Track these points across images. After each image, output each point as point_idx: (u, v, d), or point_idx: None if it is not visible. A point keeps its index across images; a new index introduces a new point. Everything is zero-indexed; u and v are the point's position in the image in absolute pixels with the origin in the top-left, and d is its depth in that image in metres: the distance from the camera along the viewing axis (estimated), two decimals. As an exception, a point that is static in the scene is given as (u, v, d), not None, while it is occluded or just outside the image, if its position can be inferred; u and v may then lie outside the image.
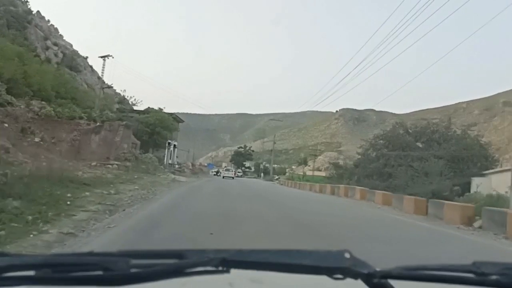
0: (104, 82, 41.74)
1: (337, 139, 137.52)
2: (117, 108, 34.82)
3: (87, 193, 9.40)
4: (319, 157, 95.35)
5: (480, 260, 0.94)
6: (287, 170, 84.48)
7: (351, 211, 15.36)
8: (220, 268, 0.83)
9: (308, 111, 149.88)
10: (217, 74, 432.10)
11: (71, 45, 74.43)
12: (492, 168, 30.34)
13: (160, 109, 39.15)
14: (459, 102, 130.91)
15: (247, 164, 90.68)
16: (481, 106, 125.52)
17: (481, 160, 32.08)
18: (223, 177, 49.58)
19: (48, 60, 60.72)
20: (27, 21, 65.75)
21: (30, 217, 5.77)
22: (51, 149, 22.24)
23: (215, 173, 66.73)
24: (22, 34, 61.18)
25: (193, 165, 57.48)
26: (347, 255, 0.87)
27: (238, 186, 28.11)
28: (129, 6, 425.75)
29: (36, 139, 22.24)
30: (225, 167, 70.98)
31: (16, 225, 5.32)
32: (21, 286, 0.79)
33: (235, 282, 0.90)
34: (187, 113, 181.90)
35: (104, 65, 38.45)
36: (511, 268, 0.91)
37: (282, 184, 48.82)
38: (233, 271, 0.84)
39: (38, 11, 70.46)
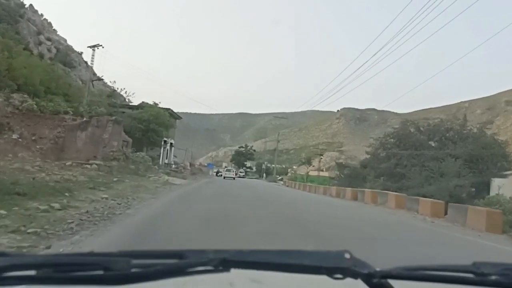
0: (94, 74, 39.08)
1: (339, 139, 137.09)
2: (108, 103, 32.08)
3: (3, 212, 5.94)
4: (320, 157, 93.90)
5: (479, 261, 0.94)
6: (289, 170, 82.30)
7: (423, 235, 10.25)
8: (221, 268, 0.82)
9: (308, 110, 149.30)
10: (217, 74, 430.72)
11: (65, 40, 72.54)
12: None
13: (155, 104, 36.26)
14: (461, 102, 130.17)
15: (248, 164, 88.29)
16: (483, 106, 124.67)
17: (500, 159, 30.17)
18: (224, 177, 49.22)
19: (41, 55, 58.75)
20: (19, 15, 63.88)
21: None
22: (30, 147, 19.85)
23: (215, 173, 66.37)
24: (14, 28, 59.14)
25: (191, 165, 54.96)
26: (347, 255, 0.86)
27: (242, 189, 23.58)
28: (130, 1, 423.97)
29: (14, 136, 19.91)
30: (226, 167, 69.64)
31: None
32: (22, 286, 0.79)
33: (235, 282, 0.91)
34: (187, 113, 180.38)
35: (93, 55, 35.82)
36: (511, 269, 0.92)
37: (288, 186, 45.19)
38: (234, 271, 0.84)
39: (31, 5, 68.40)
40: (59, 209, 6.92)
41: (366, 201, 21.47)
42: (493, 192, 24.11)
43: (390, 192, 20.67)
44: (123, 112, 29.78)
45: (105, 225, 6.51)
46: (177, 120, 44.37)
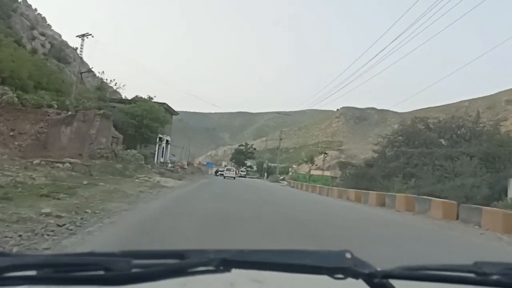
0: (82, 62, 36.72)
1: (338, 138, 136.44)
2: (98, 97, 29.83)
3: None
4: (320, 156, 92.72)
5: (481, 260, 0.93)
6: (290, 169, 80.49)
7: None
8: (221, 268, 0.82)
9: (308, 109, 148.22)
10: (217, 73, 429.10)
11: (60, 36, 70.51)
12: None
13: (150, 98, 33.78)
14: (461, 101, 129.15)
15: (249, 163, 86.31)
16: (483, 105, 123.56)
17: (517, 158, 28.47)
18: (224, 177, 48.04)
19: (34, 51, 56.89)
20: (12, 9, 62.08)
21: None
22: (8, 144, 17.85)
23: (214, 172, 65.26)
24: (6, 23, 57.30)
25: (189, 164, 52.94)
26: (348, 255, 0.86)
27: (247, 193, 19.74)
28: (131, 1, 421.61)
29: (-11, 131, 17.89)
30: (226, 166, 68.22)
31: None
32: (23, 286, 0.79)
33: (236, 282, 0.90)
34: (186, 111, 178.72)
35: (82, 45, 33.63)
36: None
37: (293, 187, 41.75)
38: (234, 271, 0.84)
39: (24, -1, 66.14)
40: None
41: (398, 208, 16.79)
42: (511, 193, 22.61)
43: (434, 198, 15.60)
44: (114, 107, 27.60)
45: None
46: (177, 120, 42.13)
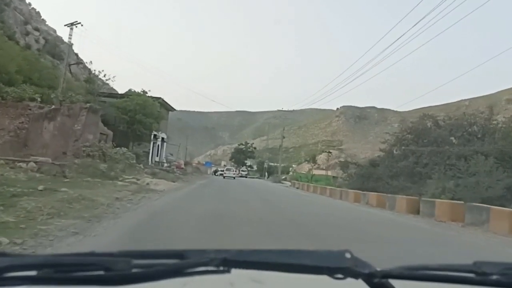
0: (72, 52, 34.36)
1: (338, 137, 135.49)
2: (87, 90, 27.80)
3: None
4: (320, 155, 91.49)
5: (481, 260, 0.92)
6: (290, 169, 78.75)
7: None
8: (221, 268, 0.83)
9: (307, 108, 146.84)
10: (217, 72, 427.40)
11: (55, 31, 68.47)
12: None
13: (144, 92, 31.11)
14: (462, 100, 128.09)
15: (249, 162, 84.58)
16: (484, 104, 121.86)
17: (533, 158, 26.76)
18: (224, 177, 47.28)
19: (28, 46, 55.09)
20: (5, 3, 60.23)
21: None
22: (-18, 140, 16.01)
23: (213, 172, 64.14)
24: (-1, 17, 55.35)
25: (186, 163, 51.05)
26: (348, 255, 0.85)
27: (253, 200, 16.14)
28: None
29: (-38, 126, 16.07)
30: (225, 166, 66.76)
31: None
32: (23, 286, 0.79)
33: (236, 282, 0.90)
34: (185, 111, 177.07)
35: (70, 34, 31.54)
36: None
37: (297, 188, 38.40)
38: (234, 271, 0.84)
39: (17, -7, 64.21)
40: None
41: (439, 217, 13.83)
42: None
43: (492, 206, 12.41)
44: (104, 102, 25.63)
45: None
46: (176, 119, 39.98)
